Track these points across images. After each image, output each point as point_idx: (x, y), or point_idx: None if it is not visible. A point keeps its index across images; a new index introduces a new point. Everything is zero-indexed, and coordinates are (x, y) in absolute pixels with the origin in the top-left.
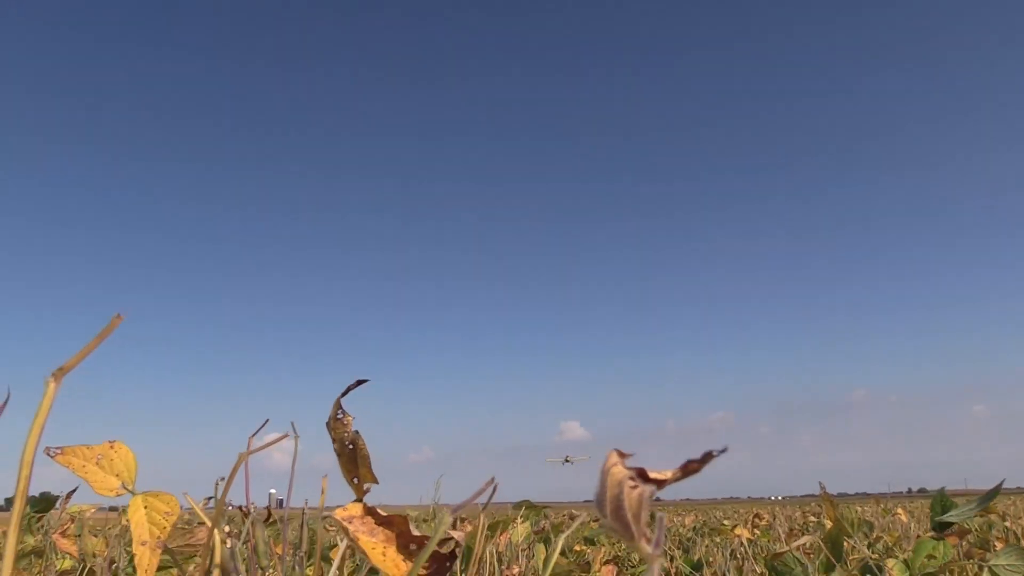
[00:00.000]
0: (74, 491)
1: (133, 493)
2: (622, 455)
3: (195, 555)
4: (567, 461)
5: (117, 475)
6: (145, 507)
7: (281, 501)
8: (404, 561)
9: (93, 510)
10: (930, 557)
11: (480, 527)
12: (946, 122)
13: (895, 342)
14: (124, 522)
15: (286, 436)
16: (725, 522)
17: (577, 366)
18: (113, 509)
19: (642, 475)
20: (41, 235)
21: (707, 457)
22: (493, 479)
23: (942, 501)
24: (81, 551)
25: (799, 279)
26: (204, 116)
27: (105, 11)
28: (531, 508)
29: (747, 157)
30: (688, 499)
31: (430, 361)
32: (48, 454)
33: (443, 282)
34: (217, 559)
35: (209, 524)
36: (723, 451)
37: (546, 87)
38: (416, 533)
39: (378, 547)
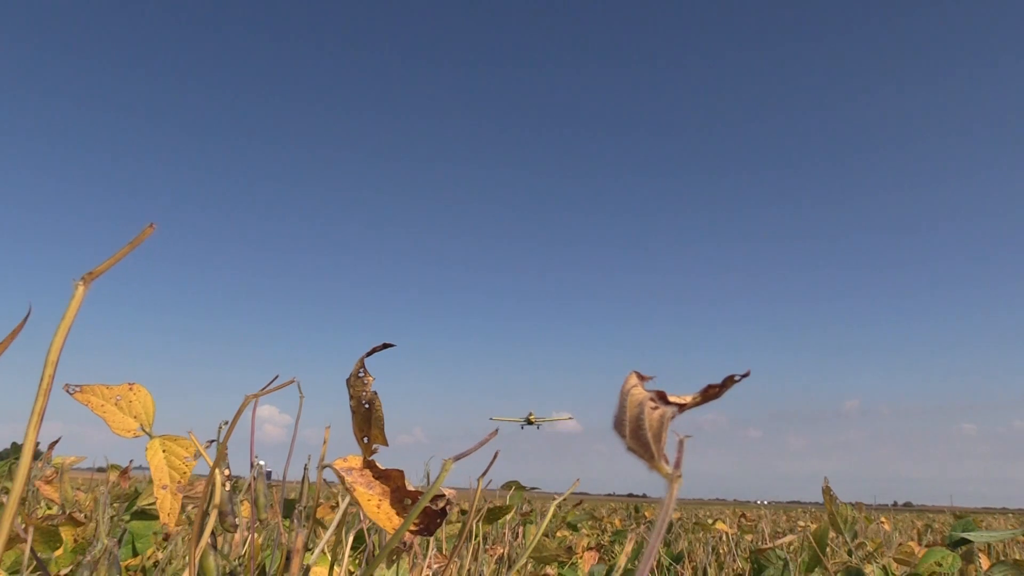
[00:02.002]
0: (57, 442)
1: (151, 436)
2: (642, 377)
3: (192, 506)
4: (529, 423)
5: (135, 417)
6: (164, 451)
7: (269, 473)
8: (398, 515)
9: (75, 462)
10: (938, 564)
11: (472, 506)
12: (949, 139)
13: (891, 355)
14: (111, 478)
15: (292, 381)
16: (709, 520)
17: (572, 360)
18: (101, 470)
19: (662, 397)
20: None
21: (728, 381)
22: (497, 431)
23: (966, 523)
24: (63, 498)
25: (801, 286)
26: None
27: None
28: (519, 489)
29: (754, 163)
30: None
31: (427, 344)
32: (67, 391)
33: (444, 267)
34: (216, 501)
35: (211, 464)
36: (745, 375)
37: (578, 83)
38: (412, 488)
39: (373, 499)
